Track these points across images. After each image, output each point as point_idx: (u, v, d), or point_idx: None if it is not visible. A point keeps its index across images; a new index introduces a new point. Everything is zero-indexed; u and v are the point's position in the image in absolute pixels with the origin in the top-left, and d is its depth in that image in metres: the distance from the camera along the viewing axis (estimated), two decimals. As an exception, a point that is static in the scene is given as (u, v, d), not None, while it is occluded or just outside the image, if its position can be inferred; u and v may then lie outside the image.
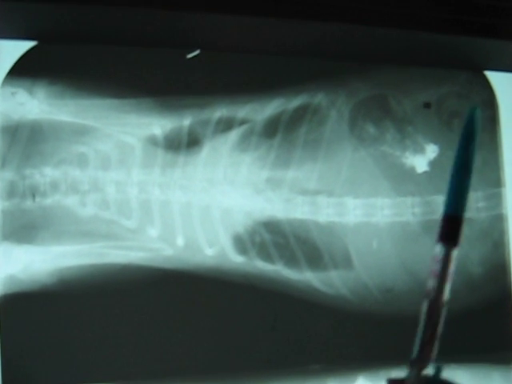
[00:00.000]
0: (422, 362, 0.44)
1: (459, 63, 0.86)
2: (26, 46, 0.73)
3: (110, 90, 0.75)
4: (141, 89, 0.75)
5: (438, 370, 0.44)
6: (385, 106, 0.83)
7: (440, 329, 0.44)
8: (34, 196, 0.72)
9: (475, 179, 0.86)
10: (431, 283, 0.44)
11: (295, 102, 0.80)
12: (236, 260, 0.76)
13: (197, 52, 0.77)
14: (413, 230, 0.82)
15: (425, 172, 0.83)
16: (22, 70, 0.73)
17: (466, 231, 0.85)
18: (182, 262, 0.75)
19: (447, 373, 0.85)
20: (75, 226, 0.73)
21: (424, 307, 0.43)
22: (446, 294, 0.44)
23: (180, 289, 0.74)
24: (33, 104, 0.73)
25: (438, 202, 0.83)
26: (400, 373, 0.81)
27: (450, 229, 0.45)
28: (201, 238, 0.76)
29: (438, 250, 0.44)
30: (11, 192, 0.72)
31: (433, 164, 0.83)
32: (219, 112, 0.78)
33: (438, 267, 0.44)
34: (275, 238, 0.77)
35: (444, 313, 0.44)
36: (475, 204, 0.84)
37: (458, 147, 0.46)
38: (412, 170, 0.83)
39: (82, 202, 0.73)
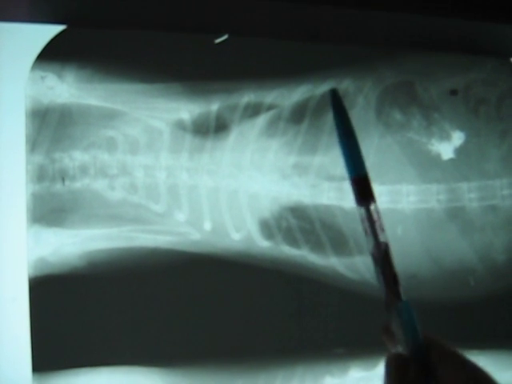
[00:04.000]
0: (392, 303, 0.47)
1: (486, 50, 0.86)
2: (55, 30, 0.74)
3: (138, 74, 0.75)
4: (169, 73, 0.76)
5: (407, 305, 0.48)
6: (411, 92, 0.83)
7: (395, 268, 0.47)
8: (63, 180, 0.73)
9: (499, 166, 0.86)
10: (369, 240, 0.47)
11: (322, 87, 0.80)
12: (262, 245, 0.77)
13: (225, 37, 0.77)
14: (437, 217, 0.82)
15: (450, 159, 0.83)
16: (51, 54, 0.73)
17: (490, 219, 0.86)
18: (209, 246, 0.75)
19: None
20: (104, 209, 0.73)
21: (374, 262, 0.47)
22: (384, 239, 0.47)
23: (207, 272, 0.75)
24: (62, 88, 0.74)
25: (464, 190, 0.83)
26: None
27: (361, 189, 0.49)
28: (228, 222, 0.76)
29: (361, 212, 0.48)
30: (41, 176, 0.72)
31: (458, 151, 0.83)
32: (247, 97, 0.78)
33: (367, 225, 0.48)
34: (301, 223, 0.78)
35: (391, 253, 0.47)
36: (500, 191, 0.84)
37: (335, 122, 0.49)
38: (438, 156, 0.83)
39: (110, 185, 0.74)
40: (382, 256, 0.48)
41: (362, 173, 0.49)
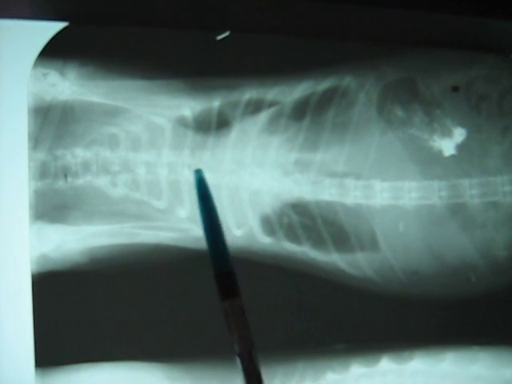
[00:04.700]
0: None
1: (487, 46, 0.86)
2: (56, 27, 0.74)
3: (140, 71, 0.75)
4: (170, 70, 0.76)
5: None
6: (413, 89, 0.83)
7: (259, 367, 0.46)
8: (65, 176, 0.73)
9: (501, 163, 0.86)
10: (233, 337, 0.46)
11: (324, 84, 0.80)
12: (264, 241, 0.77)
13: (226, 34, 0.77)
14: (439, 214, 0.82)
15: (452, 155, 0.83)
16: (53, 52, 0.73)
17: (491, 215, 0.86)
18: (211, 242, 0.75)
19: (470, 355, 0.86)
20: (106, 206, 0.74)
21: (239, 360, 0.45)
22: (249, 336, 0.46)
23: (208, 268, 0.75)
24: (64, 85, 0.74)
25: (465, 186, 0.83)
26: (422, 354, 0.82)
27: (225, 285, 0.47)
28: (229, 218, 0.77)
29: (225, 307, 0.46)
30: (43, 172, 0.73)
31: (460, 147, 0.83)
32: (248, 94, 0.78)
33: (231, 321, 0.46)
34: (303, 219, 0.78)
35: (256, 354, 0.46)
36: (501, 188, 0.84)
37: (200, 211, 0.48)
38: (439, 153, 0.83)
39: (112, 182, 0.74)
40: (246, 354, 0.47)
41: (226, 269, 0.48)
